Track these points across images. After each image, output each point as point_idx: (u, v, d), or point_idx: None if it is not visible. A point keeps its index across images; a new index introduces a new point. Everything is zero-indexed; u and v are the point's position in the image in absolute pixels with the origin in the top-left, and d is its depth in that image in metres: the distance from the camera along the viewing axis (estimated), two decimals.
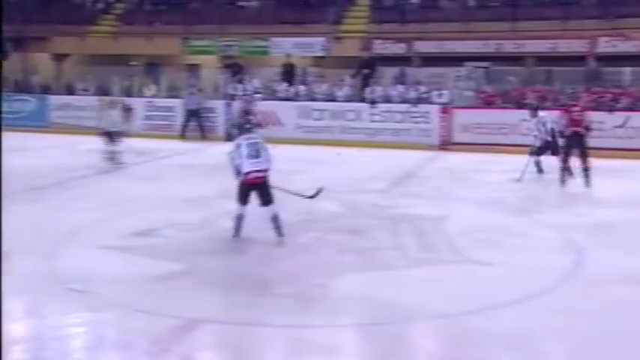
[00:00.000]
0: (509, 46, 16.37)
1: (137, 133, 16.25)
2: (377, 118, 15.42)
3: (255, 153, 7.41)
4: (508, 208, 9.30)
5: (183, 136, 16.17)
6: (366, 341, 5.09)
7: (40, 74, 19.22)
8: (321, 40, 17.75)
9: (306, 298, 5.76)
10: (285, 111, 15.89)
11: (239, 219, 7.50)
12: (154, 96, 17.49)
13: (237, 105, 15.71)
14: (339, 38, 17.93)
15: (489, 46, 16.48)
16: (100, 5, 20.36)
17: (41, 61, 19.82)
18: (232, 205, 8.94)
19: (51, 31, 19.32)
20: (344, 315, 5.49)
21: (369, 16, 18.55)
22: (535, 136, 11.27)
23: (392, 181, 11.23)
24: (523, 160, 11.02)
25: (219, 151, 14.17)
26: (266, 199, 7.40)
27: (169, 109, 16.68)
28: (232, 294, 5.92)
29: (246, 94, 16.27)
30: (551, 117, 11.31)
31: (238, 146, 7.50)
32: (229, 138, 14.45)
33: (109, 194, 9.93)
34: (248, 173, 7.34)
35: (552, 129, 11.10)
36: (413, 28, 17.38)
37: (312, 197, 8.15)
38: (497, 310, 5.46)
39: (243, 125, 8.55)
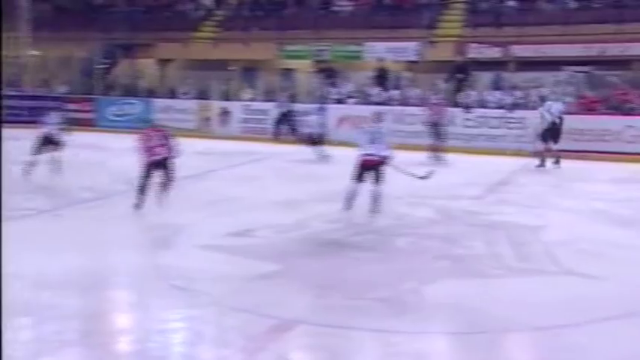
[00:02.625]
0: (613, 49, 15.68)
1: (233, 136, 16.83)
2: (471, 123, 15.17)
3: (375, 139, 8.66)
4: (613, 218, 8.91)
5: (276, 138, 16.49)
6: (460, 350, 5.04)
7: (145, 79, 20.13)
8: (414, 44, 17.64)
9: (400, 304, 5.75)
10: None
11: (351, 195, 8.54)
12: (250, 100, 17.96)
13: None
14: (432, 42, 17.77)
15: (591, 50, 15.85)
16: (201, 12, 21.08)
17: (147, 67, 20.76)
18: (325, 208, 9.20)
19: (156, 38, 20.21)
20: (437, 322, 5.45)
21: (463, 20, 18.27)
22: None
23: (487, 187, 11.03)
24: (628, 168, 10.57)
25: (308, 153, 14.61)
26: (376, 179, 8.59)
27: (265, 112, 17.05)
28: (326, 296, 5.97)
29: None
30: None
31: (363, 132, 8.99)
32: (314, 141, 14.60)
33: (207, 195, 10.20)
34: (364, 155, 8.58)
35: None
36: (509, 31, 16.97)
37: (422, 178, 9.01)
38: (597, 326, 5.25)
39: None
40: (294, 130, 16.60)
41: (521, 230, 8.17)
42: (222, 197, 9.99)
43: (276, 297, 5.92)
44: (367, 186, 8.64)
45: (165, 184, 9.38)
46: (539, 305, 5.66)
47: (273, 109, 17.02)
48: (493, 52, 16.88)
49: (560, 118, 12.86)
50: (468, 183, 11.29)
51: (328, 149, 14.25)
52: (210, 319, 5.59)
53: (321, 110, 15.94)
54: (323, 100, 16.94)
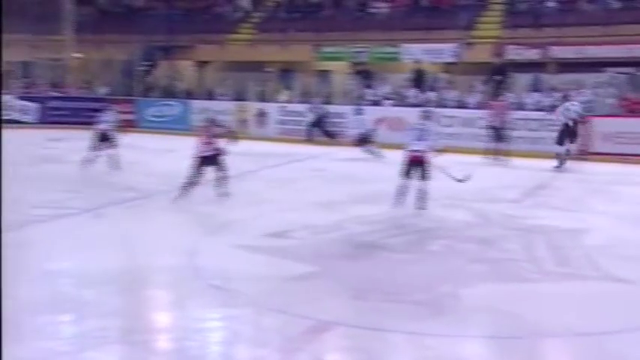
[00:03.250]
0: None
1: (270, 137, 16.96)
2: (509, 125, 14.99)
3: (421, 137, 9.07)
4: None
5: (310, 140, 16.57)
6: (497, 354, 5.01)
7: (184, 80, 20.41)
8: (451, 46, 17.53)
9: (437, 307, 5.74)
10: (415, 117, 15.80)
11: (401, 191, 8.96)
12: (286, 101, 18.06)
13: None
14: (470, 44, 17.63)
15: (634, 51, 15.54)
16: (239, 14, 21.28)
17: (185, 68, 21.04)
18: (362, 210, 9.24)
19: (194, 40, 20.47)
20: (475, 326, 5.41)
21: (502, 21, 18.09)
22: None
23: (524, 190, 10.91)
24: None
25: (347, 156, 14.66)
26: (422, 175, 8.95)
27: (301, 114, 17.13)
28: (363, 298, 5.98)
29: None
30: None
31: (410, 129, 9.49)
32: (363, 141, 14.80)
33: (245, 196, 10.27)
34: (411, 151, 9.01)
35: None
36: (549, 32, 16.74)
37: (460, 181, 9.28)
38: (638, 333, 5.18)
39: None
40: (327, 132, 16.65)
41: (560, 234, 8.07)
42: (259, 198, 10.08)
43: (312, 298, 5.95)
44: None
45: (221, 179, 9.99)
46: (578, 311, 5.59)
47: (307, 111, 17.08)
48: (532, 54, 16.67)
49: (576, 120, 12.78)
50: (506, 186, 11.18)
51: (377, 148, 14.41)
52: (247, 319, 5.65)
53: (359, 111, 15.96)
54: (359, 101, 16.94)
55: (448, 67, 17.99)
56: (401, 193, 9.01)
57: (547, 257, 7.24)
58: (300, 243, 7.72)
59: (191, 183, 9.74)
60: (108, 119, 12.79)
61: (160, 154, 13.27)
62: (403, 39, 18.16)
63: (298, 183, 11.54)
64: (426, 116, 9.76)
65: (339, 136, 16.34)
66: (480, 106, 15.42)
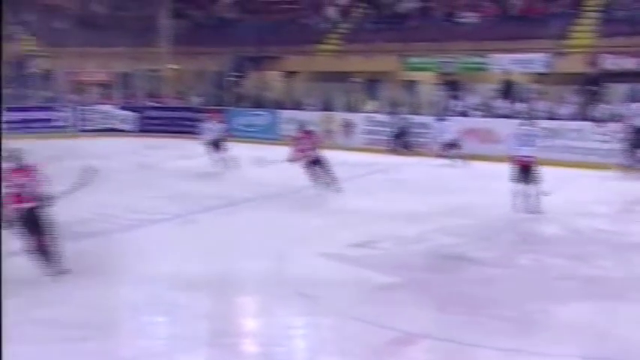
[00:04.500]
0: None
1: (356, 147, 17.05)
2: (603, 138, 14.45)
3: (527, 142, 9.45)
4: None
5: (395, 150, 16.55)
6: None
7: (272, 90, 20.85)
8: (542, 55, 17.05)
9: (526, 323, 5.62)
10: (503, 128, 15.50)
11: (517, 195, 9.27)
12: (373, 111, 18.12)
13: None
14: (562, 53, 17.10)
15: None
16: (326, 26, 21.55)
17: (274, 79, 21.49)
18: (447, 221, 9.15)
19: (283, 51, 20.85)
20: (568, 344, 5.26)
21: (597, 30, 17.44)
22: None
23: (620, 206, 10.47)
24: None
25: (435, 168, 14.55)
26: (532, 179, 9.25)
27: (388, 124, 17.14)
28: (449, 311, 5.94)
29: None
30: None
31: (515, 134, 9.75)
32: (444, 150, 14.77)
33: (330, 205, 10.43)
34: (518, 157, 9.36)
35: None
36: None
37: (545, 195, 9.32)
38: None
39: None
40: (407, 144, 16.58)
41: None
42: (344, 208, 10.15)
43: (397, 309, 5.96)
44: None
45: (329, 182, 11.14)
46: None
47: (391, 122, 17.07)
48: (629, 63, 15.97)
49: None
50: (600, 200, 10.75)
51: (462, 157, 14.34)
52: (332, 328, 5.71)
53: (443, 119, 15.85)
54: (446, 112, 16.78)
55: (539, 77, 17.51)
56: (517, 197, 9.31)
57: None
58: (385, 253, 7.74)
59: (314, 177, 11.22)
60: (212, 127, 14.20)
61: (248, 163, 13.60)
62: (491, 49, 17.82)
63: (383, 193, 11.51)
64: (531, 121, 10.26)
65: (417, 148, 16.21)
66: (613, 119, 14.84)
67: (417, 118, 16.89)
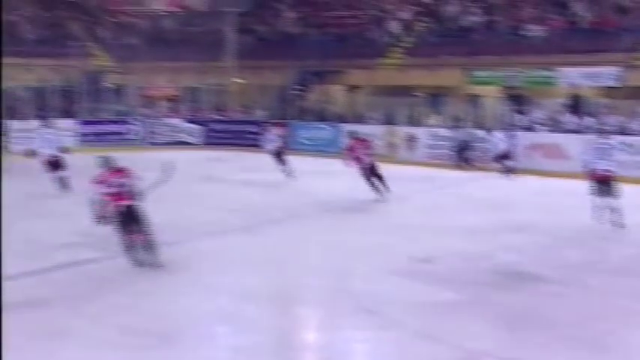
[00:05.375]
0: None
1: (419, 162, 16.96)
2: None
3: (603, 155, 9.45)
4: None
5: (459, 165, 16.37)
6: None
7: (335, 104, 20.98)
8: (613, 69, 16.60)
9: (597, 345, 5.45)
10: (571, 144, 15.16)
11: (598, 208, 9.33)
12: (436, 126, 18.00)
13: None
14: (634, 67, 16.60)
15: None
16: (389, 39, 21.58)
17: (337, 93, 21.64)
18: (511, 238, 8.99)
19: (346, 65, 21.00)
20: None
21: None
22: None
23: None
24: None
25: (499, 183, 14.32)
26: (610, 193, 9.29)
27: (450, 138, 16.99)
28: (517, 331, 5.80)
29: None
30: None
31: (591, 148, 9.72)
32: (505, 170, 14.61)
33: (393, 220, 10.36)
34: (596, 170, 9.37)
35: None
36: None
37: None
38: None
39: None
40: (474, 158, 16.37)
41: None
42: (407, 223, 10.08)
43: (462, 327, 5.88)
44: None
45: (383, 189, 11.72)
46: None
47: (454, 136, 16.90)
48: None
49: None
50: None
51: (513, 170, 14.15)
52: (396, 344, 5.66)
53: (510, 137, 15.62)
54: (511, 127, 16.52)
55: (608, 91, 17.04)
56: (598, 211, 9.35)
57: None
58: (449, 269, 7.64)
59: (372, 185, 11.77)
60: (273, 138, 14.83)
61: (312, 176, 13.72)
62: (559, 62, 17.47)
63: (446, 208, 11.38)
64: (606, 134, 10.22)
65: (480, 163, 15.99)
66: None
67: (480, 133, 16.68)
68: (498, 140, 15.60)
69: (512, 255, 8.21)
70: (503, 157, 15.27)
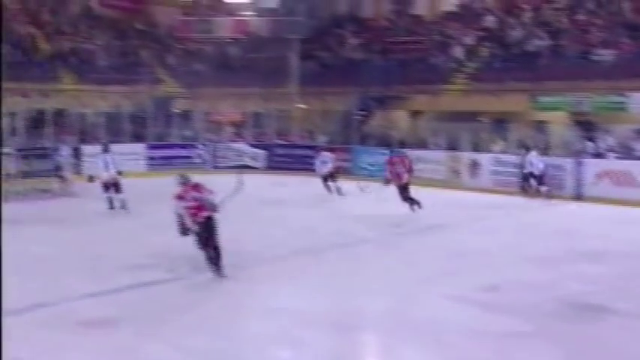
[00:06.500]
0: None
1: (483, 188, 16.69)
2: None
3: None
4: None
5: (524, 191, 16.04)
6: None
7: (398, 130, 20.95)
8: None
9: None
10: None
11: None
12: (500, 151, 17.71)
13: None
14: None
15: None
16: (453, 65, 21.46)
17: (399, 118, 21.62)
18: (582, 268, 8.75)
19: (409, 90, 20.97)
20: None
21: None
22: None
23: None
24: None
25: (566, 211, 13.95)
26: None
27: (516, 165, 16.68)
28: None
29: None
30: None
31: None
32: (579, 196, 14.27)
33: (456, 247, 10.17)
34: None
35: None
36: None
37: None
38: None
39: None
40: (540, 184, 16.01)
41: None
42: (470, 250, 9.91)
43: (525, 359, 5.73)
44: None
45: (415, 206, 12.48)
46: None
47: (520, 163, 16.56)
48: None
49: None
50: None
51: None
52: None
53: (578, 165, 15.24)
54: (579, 154, 16.10)
55: None
56: None
57: None
58: (514, 299, 7.43)
59: (408, 199, 12.51)
60: (325, 161, 15.82)
61: (374, 201, 13.65)
62: (630, 87, 16.96)
63: (511, 236, 11.12)
64: None
65: (547, 190, 15.62)
66: None
67: (547, 160, 16.33)
68: (535, 161, 15.39)
69: (581, 285, 7.95)
70: (534, 178, 15.22)
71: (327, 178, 15.84)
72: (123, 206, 13.17)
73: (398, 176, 12.65)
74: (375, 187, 13.31)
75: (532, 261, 9.13)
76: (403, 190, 12.55)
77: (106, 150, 14.10)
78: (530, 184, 15.47)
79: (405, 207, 12.62)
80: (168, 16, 25.92)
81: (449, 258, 9.39)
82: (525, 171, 15.69)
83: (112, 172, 13.22)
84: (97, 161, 13.60)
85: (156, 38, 25.13)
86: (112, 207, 13.28)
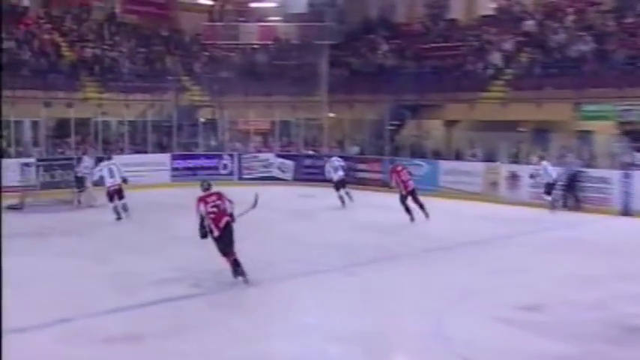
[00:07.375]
0: None
1: (522, 202, 15.70)
2: None
3: None
4: None
5: (565, 205, 15.05)
6: None
7: (432, 140, 20.08)
8: None
9: None
10: None
11: None
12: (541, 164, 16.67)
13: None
14: None
15: None
16: (491, 72, 20.50)
17: (434, 128, 20.74)
18: (630, 288, 8.10)
19: (443, 98, 20.13)
20: None
21: None
22: None
23: None
24: None
25: (612, 226, 12.92)
26: None
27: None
28: None
29: None
30: None
31: None
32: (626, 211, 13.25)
33: (494, 263, 9.62)
34: None
35: None
36: None
37: None
38: None
39: None
40: (583, 198, 14.99)
41: None
42: (510, 266, 9.33)
43: None
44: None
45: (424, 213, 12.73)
46: None
47: (561, 175, 15.55)
48: None
49: None
50: None
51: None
52: None
53: (625, 177, 14.19)
54: (627, 165, 15.02)
55: None
56: None
57: None
58: (558, 319, 6.91)
59: (407, 210, 12.72)
60: (336, 167, 15.56)
61: (406, 215, 12.93)
62: None
63: (553, 252, 10.37)
64: None
65: (591, 204, 14.59)
66: None
67: (592, 172, 15.29)
68: (550, 170, 14.83)
69: (630, 306, 7.37)
70: (550, 187, 14.79)
71: (339, 186, 15.31)
72: (124, 209, 13.29)
73: (404, 184, 12.86)
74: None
75: (576, 279, 8.52)
76: (407, 198, 12.78)
77: (109, 158, 14.46)
78: (552, 195, 14.83)
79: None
80: (194, 22, 25.45)
81: (488, 275, 8.82)
82: (542, 181, 15.02)
83: (118, 180, 13.37)
84: (102, 169, 13.75)
85: (181, 45, 24.69)
86: (119, 217, 13.30)
